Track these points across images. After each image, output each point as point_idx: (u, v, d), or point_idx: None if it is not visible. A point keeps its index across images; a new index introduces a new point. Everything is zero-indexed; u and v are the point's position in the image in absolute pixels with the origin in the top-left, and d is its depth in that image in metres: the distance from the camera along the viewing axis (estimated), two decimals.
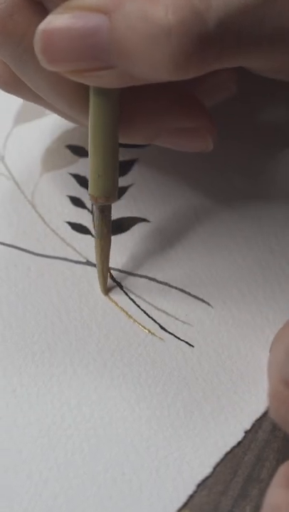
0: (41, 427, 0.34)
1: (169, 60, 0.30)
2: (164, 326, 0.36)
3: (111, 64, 0.30)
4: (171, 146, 0.37)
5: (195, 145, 0.37)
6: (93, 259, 0.37)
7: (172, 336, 0.36)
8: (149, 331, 0.36)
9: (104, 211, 0.36)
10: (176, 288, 0.37)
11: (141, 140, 0.37)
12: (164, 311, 0.37)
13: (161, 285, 0.37)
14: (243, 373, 0.35)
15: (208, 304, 0.37)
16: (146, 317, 0.36)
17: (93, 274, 0.37)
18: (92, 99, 0.33)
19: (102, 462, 0.33)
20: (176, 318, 0.36)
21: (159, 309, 0.37)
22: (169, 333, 0.36)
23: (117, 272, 0.38)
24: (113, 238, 0.38)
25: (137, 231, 0.39)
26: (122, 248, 0.38)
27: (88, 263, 0.38)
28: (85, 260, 0.38)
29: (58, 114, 0.37)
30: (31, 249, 0.38)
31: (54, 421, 0.34)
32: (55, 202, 0.40)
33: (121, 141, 0.35)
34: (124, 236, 0.39)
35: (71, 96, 0.34)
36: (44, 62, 0.31)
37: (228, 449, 0.33)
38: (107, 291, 0.37)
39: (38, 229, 0.39)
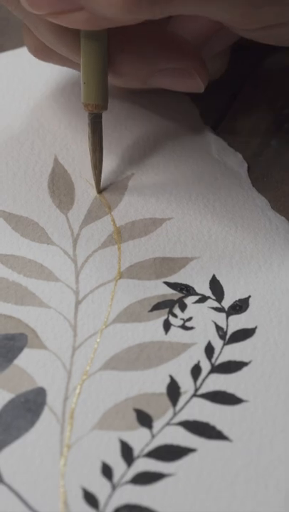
0: None
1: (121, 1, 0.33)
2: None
3: (81, 5, 0.34)
4: (164, 86, 0.40)
5: (186, 85, 0.40)
6: None
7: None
8: None
9: (96, 119, 0.39)
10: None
11: (137, 81, 0.40)
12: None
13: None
14: None
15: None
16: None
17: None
18: (82, 42, 0.37)
19: None
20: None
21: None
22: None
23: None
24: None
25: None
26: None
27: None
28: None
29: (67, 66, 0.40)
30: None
31: None
32: None
33: (119, 84, 0.39)
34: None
35: (70, 41, 0.37)
36: (26, 7, 0.35)
37: None
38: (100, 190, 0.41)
39: None
